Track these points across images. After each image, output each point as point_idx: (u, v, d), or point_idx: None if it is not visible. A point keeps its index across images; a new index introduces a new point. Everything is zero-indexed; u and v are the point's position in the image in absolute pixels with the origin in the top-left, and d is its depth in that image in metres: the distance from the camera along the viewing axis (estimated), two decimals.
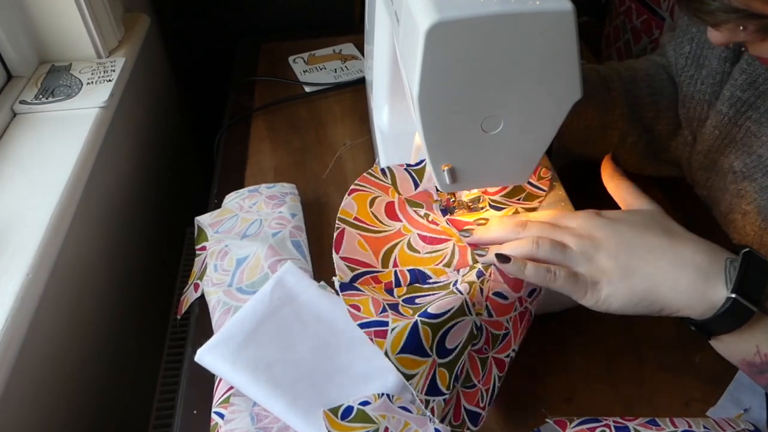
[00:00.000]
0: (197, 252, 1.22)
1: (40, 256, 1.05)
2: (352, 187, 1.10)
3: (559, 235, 0.93)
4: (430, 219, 1.08)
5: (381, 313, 0.91)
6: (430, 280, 1.02)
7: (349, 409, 0.90)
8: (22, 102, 1.36)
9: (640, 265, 0.88)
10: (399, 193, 1.11)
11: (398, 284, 1.01)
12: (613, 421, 0.90)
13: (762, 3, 0.76)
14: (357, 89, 1.67)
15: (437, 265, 1.03)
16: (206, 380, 1.01)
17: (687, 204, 1.24)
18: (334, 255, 1.03)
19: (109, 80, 1.43)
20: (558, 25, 0.74)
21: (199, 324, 1.11)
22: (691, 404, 0.96)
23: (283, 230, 1.18)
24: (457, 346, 0.89)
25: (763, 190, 1.06)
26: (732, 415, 0.94)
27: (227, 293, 1.09)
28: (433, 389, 0.86)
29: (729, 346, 0.87)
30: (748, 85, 1.07)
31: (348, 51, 1.85)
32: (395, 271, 1.02)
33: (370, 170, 1.13)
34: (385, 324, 0.89)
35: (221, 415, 0.95)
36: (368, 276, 1.02)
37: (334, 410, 0.90)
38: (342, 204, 1.08)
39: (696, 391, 0.98)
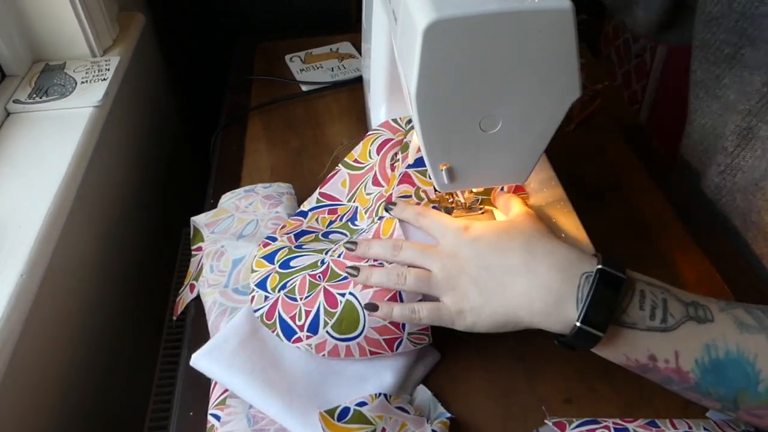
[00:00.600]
0: (193, 252, 1.21)
1: (34, 256, 1.05)
2: (370, 133, 1.21)
3: (428, 258, 0.94)
4: (392, 162, 1.14)
5: (283, 235, 1.13)
6: (357, 222, 1.13)
7: (346, 410, 0.90)
8: (16, 101, 1.36)
9: (498, 289, 0.89)
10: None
11: (341, 219, 1.13)
12: (613, 423, 0.90)
13: None
14: (354, 88, 1.67)
15: (367, 207, 1.13)
16: (202, 382, 1.01)
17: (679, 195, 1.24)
18: (317, 189, 1.21)
19: (104, 79, 1.43)
20: (557, 24, 0.74)
21: (195, 325, 1.11)
22: (691, 406, 0.96)
23: None
24: (297, 266, 1.04)
25: None
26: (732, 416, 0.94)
27: (223, 294, 1.09)
28: (261, 283, 1.05)
29: (599, 353, 0.88)
30: None
31: (345, 50, 1.85)
32: (350, 207, 1.14)
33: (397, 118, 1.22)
34: (275, 240, 1.12)
35: (217, 417, 0.95)
36: (326, 208, 1.17)
37: (330, 412, 0.90)
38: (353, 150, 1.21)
39: None
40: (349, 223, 1.14)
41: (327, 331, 0.96)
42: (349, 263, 0.99)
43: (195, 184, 1.73)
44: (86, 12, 1.45)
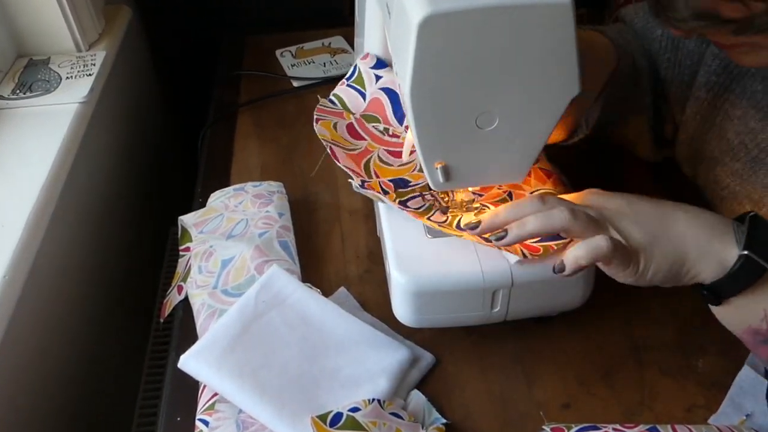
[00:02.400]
0: (181, 253, 1.21)
1: (17, 257, 1.05)
2: (315, 116, 1.17)
3: (579, 207, 0.89)
4: (390, 133, 1.15)
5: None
6: (411, 184, 1.09)
7: (339, 415, 0.90)
8: None
9: (661, 229, 0.88)
10: (353, 113, 1.18)
11: (386, 192, 1.06)
12: (613, 428, 0.90)
13: (730, 7, 0.77)
14: None
15: (413, 172, 1.11)
16: (190, 386, 1.01)
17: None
18: (338, 163, 1.11)
19: (89, 74, 1.43)
20: (556, 18, 0.74)
21: (183, 327, 1.11)
22: (694, 410, 0.96)
23: (270, 230, 1.18)
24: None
25: (734, 174, 1.06)
26: (734, 421, 0.94)
27: (212, 296, 1.09)
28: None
29: (737, 310, 0.87)
30: (722, 69, 1.08)
31: (337, 44, 1.85)
32: (379, 182, 1.08)
33: (320, 103, 1.21)
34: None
35: (206, 423, 0.95)
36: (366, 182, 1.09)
37: (322, 417, 0.90)
38: (317, 132, 1.16)
39: (698, 397, 0.98)
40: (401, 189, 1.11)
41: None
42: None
43: (183, 183, 1.72)
44: (71, 5, 1.44)
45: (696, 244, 0.86)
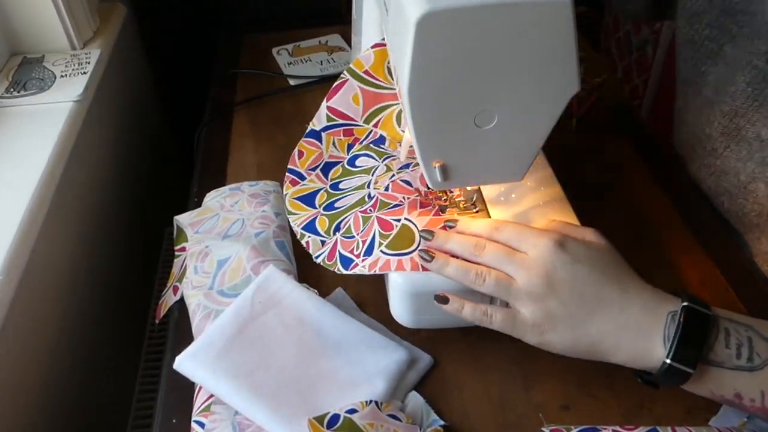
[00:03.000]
0: (176, 253, 1.21)
1: (12, 257, 1.05)
2: (379, 41, 1.14)
3: (513, 267, 0.92)
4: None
5: (308, 169, 1.15)
6: (383, 145, 1.14)
7: (336, 417, 0.90)
8: None
9: (587, 320, 0.89)
10: None
11: (361, 142, 1.12)
12: (613, 430, 0.90)
13: None
14: None
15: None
16: (186, 388, 1.01)
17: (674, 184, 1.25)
18: (324, 103, 1.15)
19: (84, 73, 1.43)
20: (555, 16, 0.74)
21: (178, 328, 1.11)
22: (694, 412, 0.96)
23: (267, 230, 1.18)
24: (343, 206, 1.09)
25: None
26: (735, 423, 0.94)
27: (208, 296, 1.09)
28: (310, 227, 1.10)
29: (686, 388, 0.89)
30: None
31: (334, 42, 1.85)
32: (371, 131, 1.11)
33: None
34: (303, 178, 1.16)
35: (201, 425, 0.95)
36: (341, 128, 1.15)
37: (319, 419, 0.90)
38: (360, 55, 1.14)
39: (699, 399, 0.97)
40: (373, 145, 1.14)
41: (381, 250, 0.98)
42: (400, 196, 1.04)
43: (178, 182, 1.72)
44: (65, 3, 1.44)
45: (616, 343, 0.89)
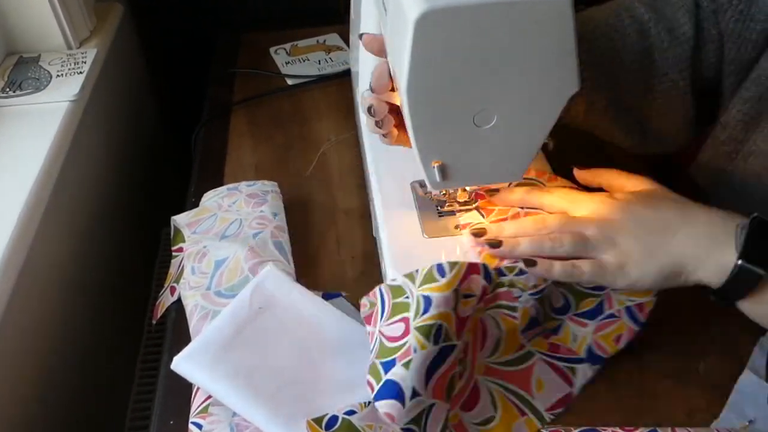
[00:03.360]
0: (174, 253, 1.21)
1: (8, 258, 1.05)
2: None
3: (578, 225, 0.95)
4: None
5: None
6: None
7: (334, 418, 0.90)
8: None
9: (661, 241, 0.91)
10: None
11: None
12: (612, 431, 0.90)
13: None
14: (342, 82, 1.67)
15: None
16: (183, 389, 1.00)
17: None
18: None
19: (80, 72, 1.43)
20: (554, 14, 0.74)
21: (175, 329, 1.11)
22: (695, 414, 0.96)
23: (264, 230, 1.18)
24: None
25: None
26: (736, 426, 0.94)
27: (205, 297, 1.09)
28: None
29: (752, 313, 0.91)
30: None
31: (333, 41, 1.85)
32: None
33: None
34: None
35: (199, 426, 0.95)
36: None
37: (317, 420, 0.90)
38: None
39: (700, 400, 0.97)
40: None
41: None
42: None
43: (176, 182, 1.72)
44: (61, 2, 1.44)
45: (694, 255, 0.90)
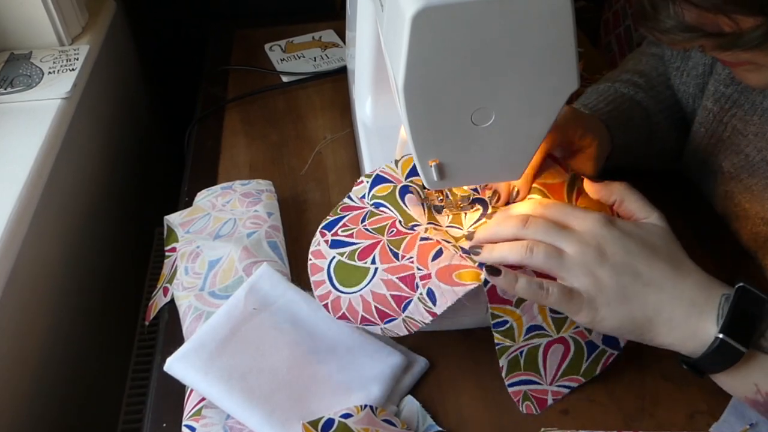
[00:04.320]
0: (167, 253, 1.21)
1: None
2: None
3: (562, 238, 0.91)
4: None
5: None
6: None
7: (330, 422, 0.90)
8: None
9: (641, 293, 0.88)
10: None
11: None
12: None
13: (713, 23, 0.79)
14: (338, 79, 1.67)
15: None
16: (176, 391, 1.00)
17: (686, 203, 1.24)
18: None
19: (72, 69, 1.43)
20: (553, 11, 0.74)
21: (168, 331, 1.11)
22: (697, 417, 0.96)
23: (259, 230, 1.18)
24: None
25: (747, 191, 1.07)
26: (737, 430, 0.94)
27: (199, 298, 1.09)
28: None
29: (726, 385, 0.88)
30: (731, 80, 1.08)
31: (328, 38, 1.85)
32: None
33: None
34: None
35: (192, 429, 0.94)
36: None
37: (313, 423, 0.90)
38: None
39: (701, 403, 0.97)
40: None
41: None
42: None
43: (169, 181, 1.72)
44: None
45: (669, 318, 0.87)
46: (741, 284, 0.85)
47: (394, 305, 0.94)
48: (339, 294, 0.97)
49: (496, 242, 0.94)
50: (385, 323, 0.94)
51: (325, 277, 0.99)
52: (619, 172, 1.08)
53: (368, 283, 0.95)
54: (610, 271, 0.88)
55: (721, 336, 0.82)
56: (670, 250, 0.91)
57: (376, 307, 0.94)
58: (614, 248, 0.89)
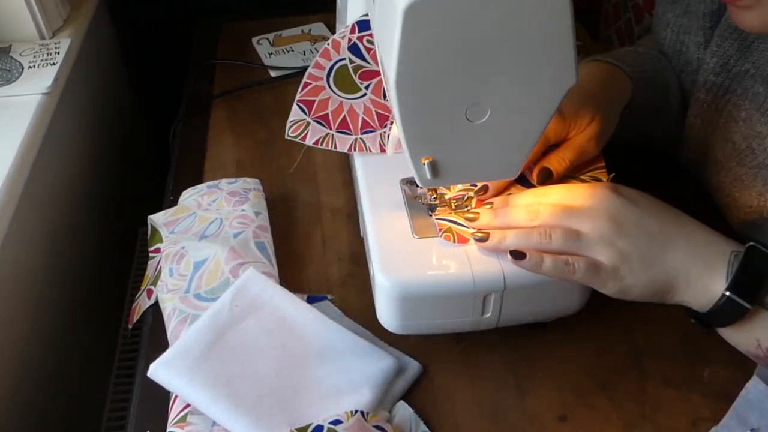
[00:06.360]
0: (150, 254, 1.21)
1: None
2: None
3: (575, 220, 0.93)
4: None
5: None
6: None
7: (319, 428, 0.90)
8: None
9: (659, 254, 0.91)
10: None
11: None
12: None
13: None
14: None
15: None
16: (160, 397, 1.00)
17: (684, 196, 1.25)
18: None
19: (53, 63, 1.42)
20: (551, 4, 0.74)
21: (152, 335, 1.10)
22: (699, 423, 0.96)
23: (246, 230, 1.18)
24: None
25: (736, 180, 1.08)
26: None
27: (184, 300, 1.09)
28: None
29: (730, 338, 0.92)
30: (720, 68, 1.11)
31: (318, 31, 1.85)
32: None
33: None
34: None
35: None
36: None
37: (302, 430, 0.90)
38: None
39: (704, 409, 0.98)
40: None
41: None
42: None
43: (153, 179, 1.72)
44: None
45: (687, 276, 0.91)
46: (751, 244, 0.89)
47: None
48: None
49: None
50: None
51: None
52: (622, 169, 1.08)
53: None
54: (627, 240, 0.91)
55: (727, 293, 0.87)
56: (672, 212, 0.96)
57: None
58: (627, 215, 0.93)
